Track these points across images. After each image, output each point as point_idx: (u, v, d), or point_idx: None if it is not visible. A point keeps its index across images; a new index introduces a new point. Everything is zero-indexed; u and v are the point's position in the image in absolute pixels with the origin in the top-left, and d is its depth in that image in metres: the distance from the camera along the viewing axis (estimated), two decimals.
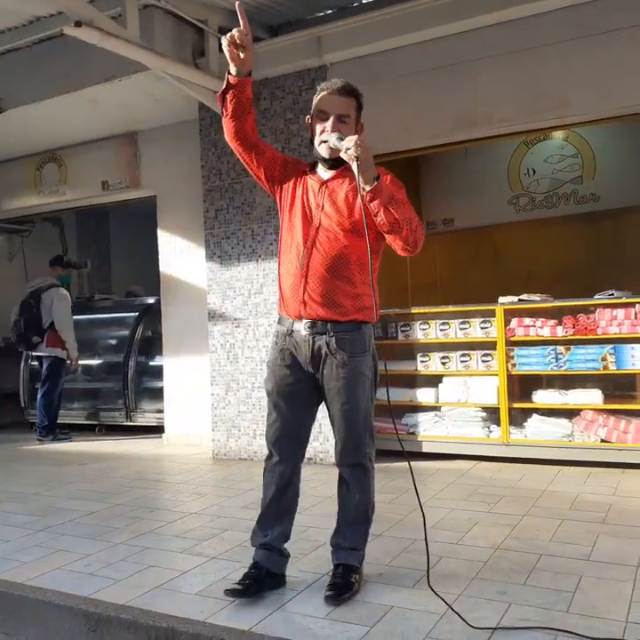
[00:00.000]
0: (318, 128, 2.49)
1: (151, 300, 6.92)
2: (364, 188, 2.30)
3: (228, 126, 2.48)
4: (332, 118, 2.45)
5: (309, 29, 4.81)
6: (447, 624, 2.22)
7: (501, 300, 4.81)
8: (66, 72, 5.13)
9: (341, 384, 2.47)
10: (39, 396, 6.46)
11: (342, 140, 2.33)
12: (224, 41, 2.29)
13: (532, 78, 4.36)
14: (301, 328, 2.50)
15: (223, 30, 5.04)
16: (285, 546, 2.63)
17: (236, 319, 5.34)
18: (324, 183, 2.50)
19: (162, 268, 6.17)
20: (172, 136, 5.97)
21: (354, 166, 2.27)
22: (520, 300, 4.77)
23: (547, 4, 4.19)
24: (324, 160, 2.50)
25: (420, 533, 3.13)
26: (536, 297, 4.76)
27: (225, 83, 2.39)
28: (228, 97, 2.41)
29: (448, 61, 4.57)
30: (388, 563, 2.80)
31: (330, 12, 4.96)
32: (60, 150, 6.70)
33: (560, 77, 4.29)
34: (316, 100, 2.50)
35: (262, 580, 2.51)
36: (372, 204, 2.30)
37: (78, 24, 3.84)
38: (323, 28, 4.76)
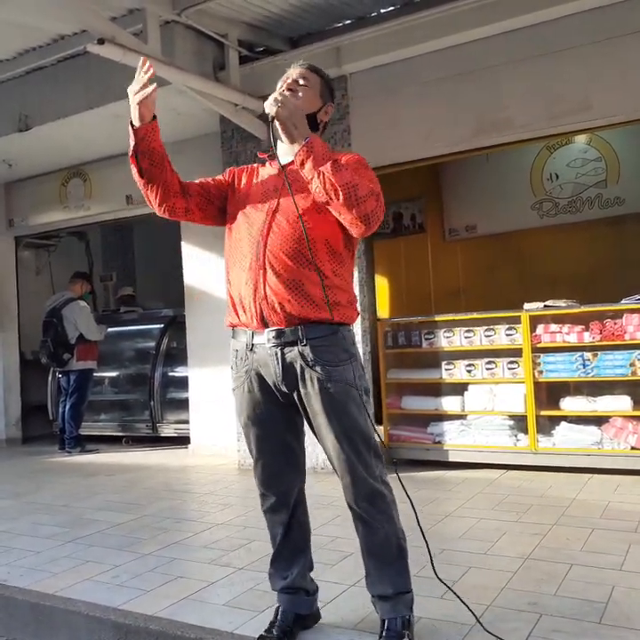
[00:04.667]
0: None
1: (175, 313, 6.98)
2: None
3: (154, 193, 2.16)
4: (290, 79, 2.13)
5: (328, 40, 4.84)
6: (478, 632, 2.20)
7: (527, 306, 4.77)
8: (89, 88, 5.22)
9: (328, 403, 2.02)
10: (67, 407, 6.54)
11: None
12: (136, 88, 2.10)
13: (554, 82, 4.34)
14: (264, 340, 2.06)
15: (243, 43, 5.11)
16: (311, 577, 2.33)
17: None
18: (285, 166, 2.06)
19: (186, 280, 6.22)
20: (194, 149, 6.02)
21: (271, 128, 1.93)
22: (545, 306, 4.73)
23: (567, 7, 4.16)
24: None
25: (447, 544, 3.13)
26: (562, 303, 4.71)
27: (132, 141, 2.06)
28: (141, 154, 2.10)
29: (468, 68, 4.57)
30: (416, 573, 2.77)
31: (348, 22, 4.98)
32: (84, 165, 6.80)
33: (581, 81, 4.26)
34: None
35: (291, 628, 2.22)
36: (304, 171, 1.91)
37: (101, 41, 3.89)
38: (341, 39, 4.79)
